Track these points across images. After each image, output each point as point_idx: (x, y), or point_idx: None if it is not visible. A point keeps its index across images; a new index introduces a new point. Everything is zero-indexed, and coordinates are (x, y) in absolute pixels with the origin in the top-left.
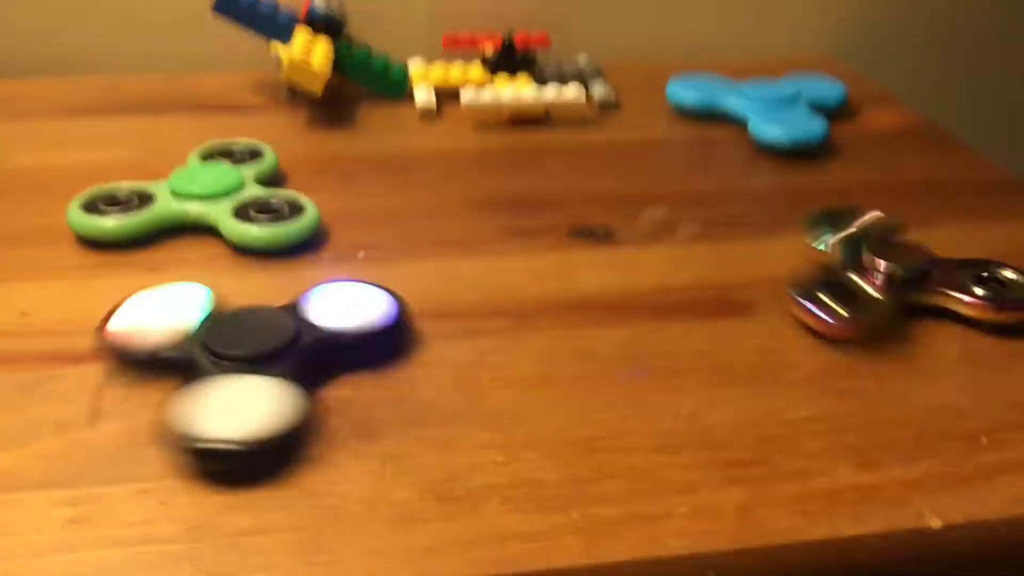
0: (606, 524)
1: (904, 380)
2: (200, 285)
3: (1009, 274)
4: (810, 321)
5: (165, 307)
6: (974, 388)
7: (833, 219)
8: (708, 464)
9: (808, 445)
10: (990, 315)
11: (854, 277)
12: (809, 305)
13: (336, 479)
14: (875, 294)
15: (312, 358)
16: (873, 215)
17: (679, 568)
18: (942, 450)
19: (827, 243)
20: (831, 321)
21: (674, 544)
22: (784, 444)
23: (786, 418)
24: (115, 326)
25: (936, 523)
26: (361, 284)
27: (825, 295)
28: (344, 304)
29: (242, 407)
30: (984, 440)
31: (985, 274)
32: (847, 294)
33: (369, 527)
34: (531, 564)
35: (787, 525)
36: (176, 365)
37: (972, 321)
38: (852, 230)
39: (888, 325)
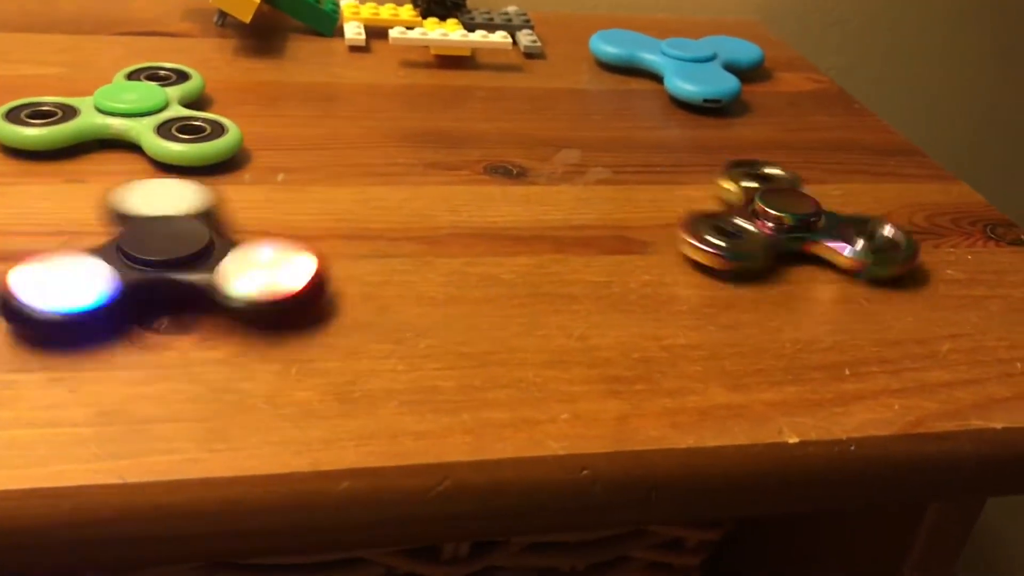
0: (494, 426)
1: (780, 317)
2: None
3: (888, 232)
4: (694, 254)
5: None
6: (843, 327)
7: (745, 167)
8: (593, 379)
9: (686, 368)
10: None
11: (739, 220)
12: (695, 241)
13: (242, 377)
14: (755, 231)
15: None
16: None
17: (556, 466)
18: (807, 379)
19: (738, 188)
20: (711, 252)
21: (553, 445)
22: (664, 366)
23: (669, 344)
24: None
25: (793, 438)
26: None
27: (712, 233)
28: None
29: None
30: (847, 372)
31: (867, 231)
32: (731, 233)
33: (270, 421)
34: (421, 458)
35: (658, 434)
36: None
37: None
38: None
39: (763, 261)
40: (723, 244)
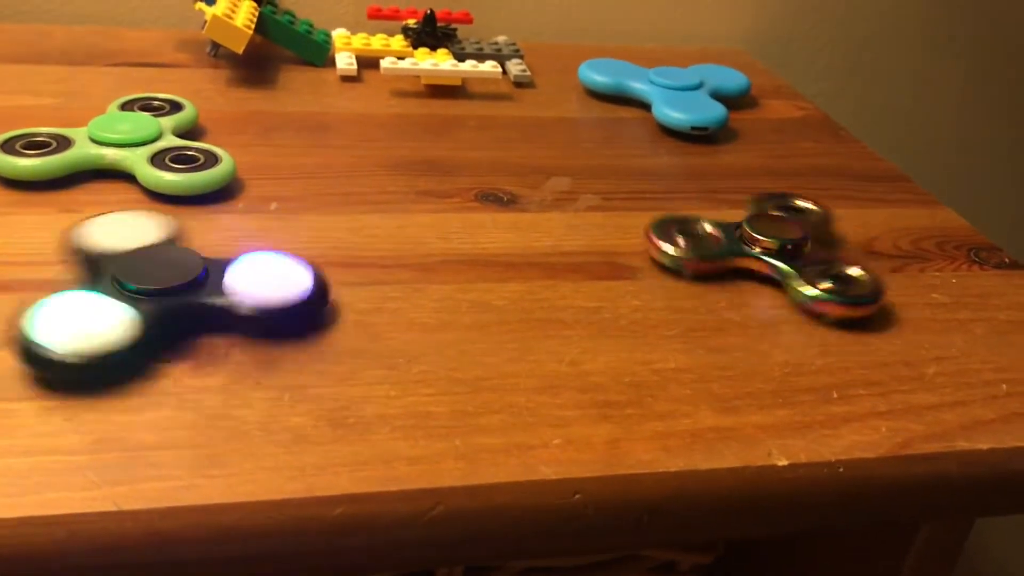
0: (487, 451)
1: (768, 340)
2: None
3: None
4: (655, 253)
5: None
6: (831, 350)
7: (775, 199)
8: (584, 404)
9: (676, 392)
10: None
11: (706, 224)
12: (658, 240)
13: (237, 404)
14: (716, 234)
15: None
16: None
17: (548, 491)
18: (797, 401)
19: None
20: (672, 252)
21: (545, 470)
22: (655, 390)
23: (659, 368)
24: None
25: (783, 461)
26: (286, 257)
27: (677, 235)
28: (266, 276)
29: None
30: (835, 394)
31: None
32: (695, 236)
33: (264, 447)
34: (415, 483)
35: (649, 457)
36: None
37: None
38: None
39: (724, 261)
40: (684, 245)
